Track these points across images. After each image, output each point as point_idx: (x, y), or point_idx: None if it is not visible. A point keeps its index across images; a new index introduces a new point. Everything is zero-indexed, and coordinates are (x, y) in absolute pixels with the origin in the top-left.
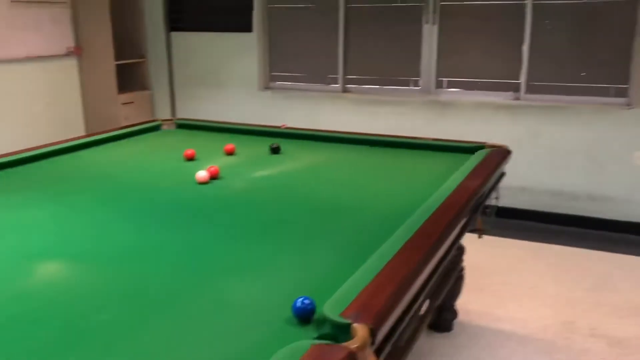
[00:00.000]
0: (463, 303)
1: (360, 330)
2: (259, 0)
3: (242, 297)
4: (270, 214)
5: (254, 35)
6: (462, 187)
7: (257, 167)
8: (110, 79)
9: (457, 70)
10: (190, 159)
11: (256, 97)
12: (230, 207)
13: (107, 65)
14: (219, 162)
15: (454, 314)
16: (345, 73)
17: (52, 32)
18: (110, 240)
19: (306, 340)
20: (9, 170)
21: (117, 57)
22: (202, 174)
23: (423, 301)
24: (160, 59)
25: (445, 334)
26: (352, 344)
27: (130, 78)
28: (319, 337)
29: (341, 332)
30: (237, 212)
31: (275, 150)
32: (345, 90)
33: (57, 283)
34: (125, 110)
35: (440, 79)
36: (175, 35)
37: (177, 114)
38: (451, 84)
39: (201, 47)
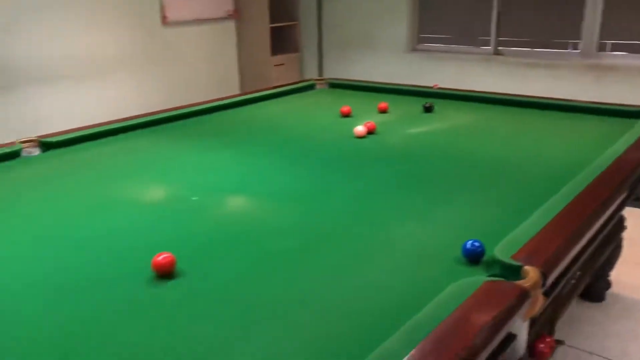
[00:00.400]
0: (617, 275)
1: (532, 272)
2: None
3: (410, 238)
4: (429, 167)
5: None
6: (631, 152)
7: (410, 125)
8: (264, 41)
9: (624, 31)
10: (346, 115)
11: (403, 59)
12: (388, 160)
13: (262, 28)
14: (374, 119)
15: (607, 284)
16: (498, 35)
17: None
18: (285, 182)
19: (479, 276)
20: (185, 121)
21: (272, 20)
22: (360, 129)
23: (585, 260)
24: (311, 23)
25: (597, 304)
26: (525, 283)
27: (282, 41)
28: (489, 277)
29: (511, 273)
30: (395, 164)
31: (428, 109)
32: (496, 53)
33: (246, 214)
34: (276, 72)
35: (603, 41)
36: (327, 1)
37: (324, 76)
38: (615, 47)
39: (350, 10)
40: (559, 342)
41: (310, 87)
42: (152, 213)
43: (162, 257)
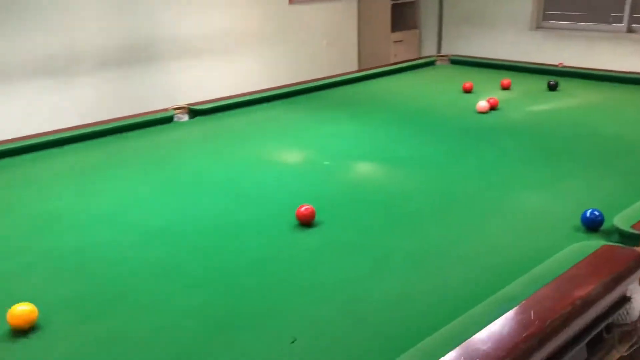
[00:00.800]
0: None
1: None
2: None
3: (533, 206)
4: (551, 143)
5: None
6: None
7: (534, 102)
8: (385, 18)
9: None
10: (468, 91)
11: (526, 37)
12: (511, 135)
13: (384, 5)
14: (496, 95)
15: None
16: (633, 11)
17: None
18: (411, 151)
19: (597, 241)
20: (310, 95)
21: None
22: (482, 104)
23: None
24: (431, 1)
25: None
26: None
27: (401, 18)
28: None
29: (630, 241)
30: (517, 139)
31: (552, 87)
32: (630, 30)
33: (375, 178)
34: (394, 48)
35: None
36: None
37: (443, 53)
38: None
39: None
40: None
41: (431, 63)
42: (292, 172)
43: (304, 208)
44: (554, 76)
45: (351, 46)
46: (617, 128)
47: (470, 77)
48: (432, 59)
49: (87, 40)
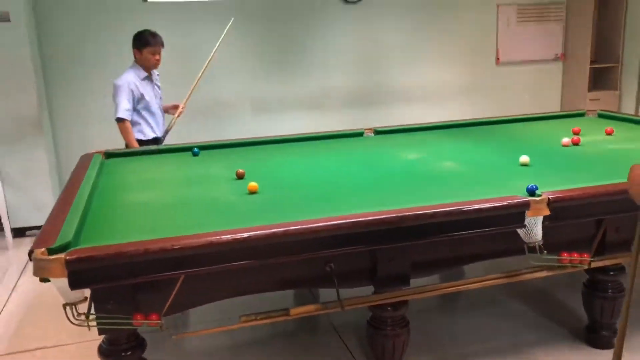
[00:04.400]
0: None
1: None
2: None
3: None
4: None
5: None
6: None
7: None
8: (583, 79)
9: None
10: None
11: None
12: (563, 157)
13: (583, 67)
14: (600, 137)
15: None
16: None
17: (545, 41)
18: (479, 158)
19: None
20: (476, 128)
21: (593, 61)
22: (566, 139)
23: None
24: (632, 65)
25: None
26: None
27: (600, 79)
28: None
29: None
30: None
31: None
32: None
33: (449, 171)
34: (591, 106)
35: None
36: None
37: None
38: None
39: None
40: None
41: (581, 114)
42: (407, 162)
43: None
44: None
45: (554, 103)
46: None
47: (601, 126)
48: (582, 111)
49: (335, 84)
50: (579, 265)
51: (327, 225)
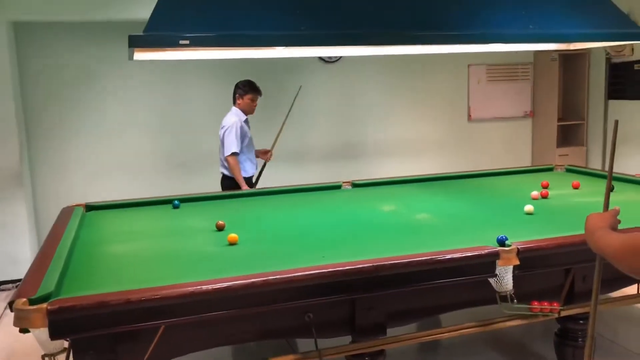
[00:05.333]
0: None
1: None
2: None
3: None
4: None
5: None
6: None
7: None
8: (552, 135)
9: None
10: (545, 187)
11: None
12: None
13: (551, 124)
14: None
15: None
16: None
17: (514, 99)
18: (454, 210)
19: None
20: (445, 182)
21: (560, 118)
22: (535, 193)
23: None
24: (597, 122)
25: None
26: None
27: (568, 136)
28: None
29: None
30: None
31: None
32: None
33: (424, 222)
34: (560, 161)
35: None
36: (613, 103)
37: (606, 168)
38: None
39: (636, 113)
40: None
41: (550, 169)
42: (373, 214)
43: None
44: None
45: (525, 158)
46: None
47: (569, 180)
48: (551, 166)
49: (315, 138)
50: (549, 313)
51: (306, 275)
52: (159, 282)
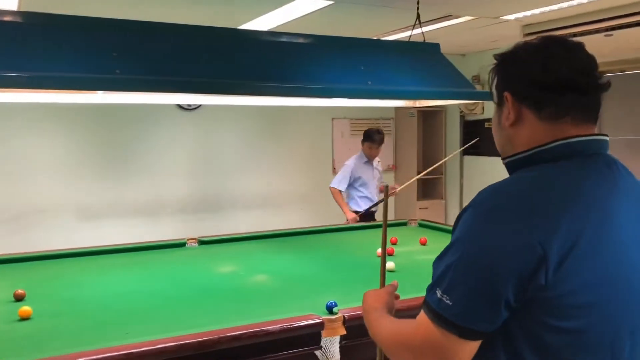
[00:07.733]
0: None
1: None
2: None
3: None
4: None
5: None
6: None
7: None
8: (412, 189)
9: None
10: (394, 243)
11: None
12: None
13: (412, 178)
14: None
15: None
16: None
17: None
18: (296, 270)
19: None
20: (291, 239)
21: (420, 172)
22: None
23: None
24: (455, 176)
25: None
26: None
27: (428, 189)
28: None
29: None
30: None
31: None
32: None
33: (260, 286)
34: (421, 213)
35: None
36: (468, 159)
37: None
38: None
39: (489, 169)
40: None
41: (404, 224)
42: (209, 277)
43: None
44: None
45: (390, 210)
46: None
47: (427, 235)
48: (405, 221)
49: (170, 190)
50: None
51: (107, 357)
52: None
